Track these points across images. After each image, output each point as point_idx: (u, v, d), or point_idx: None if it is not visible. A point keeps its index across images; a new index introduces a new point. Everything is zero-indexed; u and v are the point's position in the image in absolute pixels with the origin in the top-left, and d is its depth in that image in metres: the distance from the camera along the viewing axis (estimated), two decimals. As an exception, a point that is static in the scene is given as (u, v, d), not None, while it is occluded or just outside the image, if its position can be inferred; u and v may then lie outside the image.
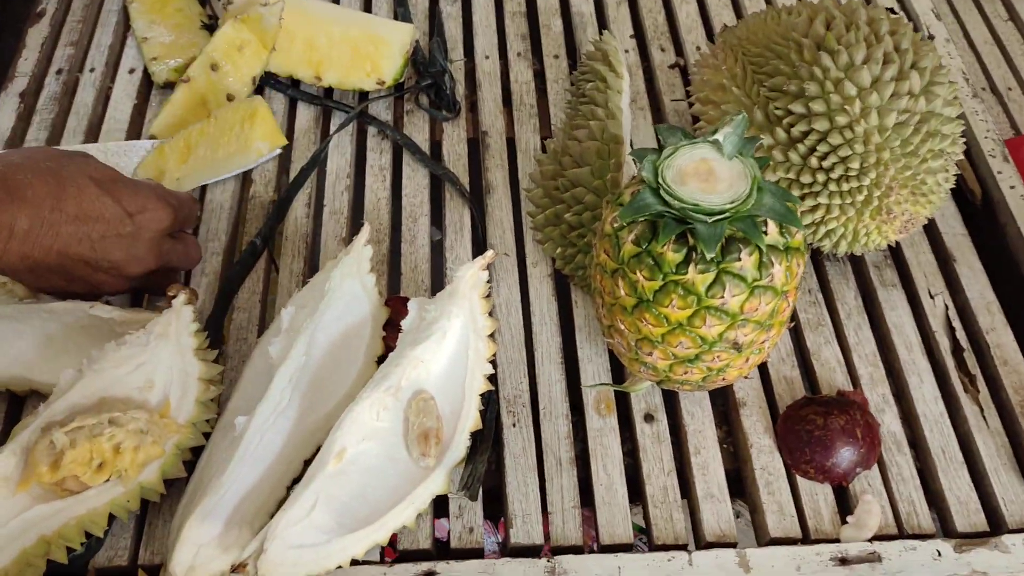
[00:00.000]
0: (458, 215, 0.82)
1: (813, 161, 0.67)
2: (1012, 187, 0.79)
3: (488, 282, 0.72)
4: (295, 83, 0.91)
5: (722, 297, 0.58)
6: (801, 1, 0.77)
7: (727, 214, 0.56)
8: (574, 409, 0.70)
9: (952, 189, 0.81)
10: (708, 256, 0.57)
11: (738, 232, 0.58)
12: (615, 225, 0.61)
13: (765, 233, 0.59)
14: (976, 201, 0.81)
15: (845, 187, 0.66)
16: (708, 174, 0.58)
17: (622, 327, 0.63)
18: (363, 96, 0.91)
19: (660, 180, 0.58)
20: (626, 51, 0.95)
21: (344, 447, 0.61)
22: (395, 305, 0.71)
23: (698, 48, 0.95)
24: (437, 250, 0.81)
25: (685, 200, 0.57)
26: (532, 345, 0.73)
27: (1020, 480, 0.64)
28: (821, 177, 0.67)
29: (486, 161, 0.86)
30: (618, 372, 0.72)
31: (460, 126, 0.89)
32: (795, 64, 0.69)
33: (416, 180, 0.85)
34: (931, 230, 0.79)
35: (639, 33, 0.98)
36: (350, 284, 0.68)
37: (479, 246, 0.80)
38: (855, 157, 0.65)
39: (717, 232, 0.56)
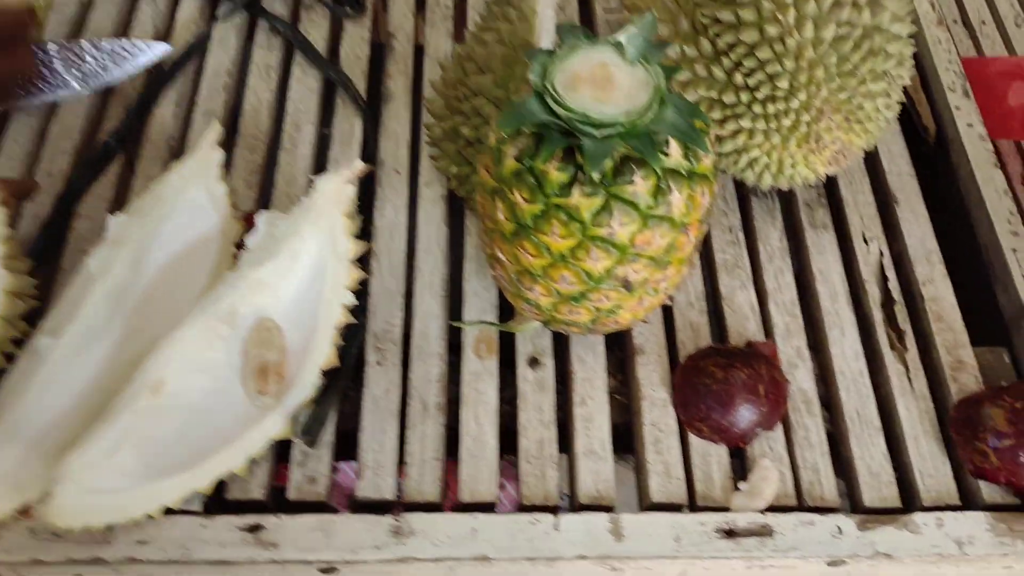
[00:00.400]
0: (348, 125, 0.72)
1: (738, 78, 0.58)
2: (969, 125, 0.71)
3: (358, 198, 0.63)
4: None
5: (609, 226, 0.50)
6: None
7: (620, 128, 0.48)
8: (453, 349, 0.62)
9: (904, 124, 0.73)
10: (594, 177, 0.49)
11: (633, 151, 0.49)
12: (498, 137, 0.53)
13: (666, 154, 0.50)
14: (929, 139, 0.72)
15: (771, 109, 0.57)
16: (605, 81, 0.49)
17: (502, 257, 0.55)
18: (260, -13, 0.81)
19: (548, 85, 0.49)
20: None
21: (163, 379, 0.53)
22: (253, 221, 0.62)
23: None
24: (320, 164, 0.71)
25: (573, 109, 0.48)
26: (413, 274, 0.64)
27: (941, 451, 0.57)
28: (745, 97, 0.58)
29: (389, 67, 0.76)
30: (508, 309, 0.63)
31: (364, 27, 0.79)
32: (727, -36, 0.59)
33: (306, 83, 0.75)
34: (874, 167, 0.70)
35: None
36: (194, 193, 0.59)
37: (369, 160, 0.71)
38: (784, 75, 0.56)
39: (605, 148, 0.48)
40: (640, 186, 0.49)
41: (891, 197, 0.68)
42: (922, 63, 0.76)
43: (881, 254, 0.65)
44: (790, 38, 0.56)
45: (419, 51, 0.78)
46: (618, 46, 0.50)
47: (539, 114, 0.49)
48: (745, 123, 0.58)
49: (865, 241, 0.65)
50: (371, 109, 0.73)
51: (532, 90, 0.49)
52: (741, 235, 0.66)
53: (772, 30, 0.56)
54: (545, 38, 0.72)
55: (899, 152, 0.70)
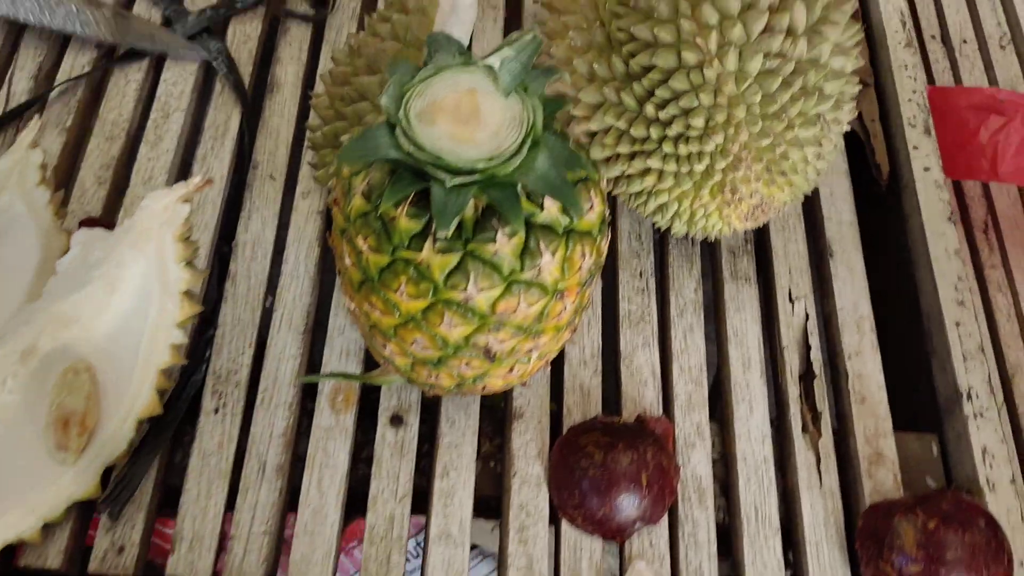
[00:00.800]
0: (224, 116, 0.63)
1: (649, 109, 0.49)
2: (926, 169, 0.62)
3: (224, 205, 0.55)
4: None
5: (465, 290, 0.42)
6: None
7: (477, 176, 0.39)
8: (309, 397, 0.54)
9: (855, 160, 0.64)
10: (443, 233, 0.41)
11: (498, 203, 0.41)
12: (351, 167, 0.44)
13: (539, 206, 0.42)
14: (882, 180, 0.64)
15: (683, 150, 0.49)
16: (470, 115, 0.41)
17: (352, 306, 0.47)
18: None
19: (402, 113, 0.40)
20: (494, -71, 0.75)
21: (-59, 428, 0.45)
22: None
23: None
24: (186, 161, 0.62)
25: (424, 148, 0.39)
26: (273, 303, 0.56)
27: (844, 562, 0.49)
28: (656, 133, 0.49)
29: (280, 50, 0.67)
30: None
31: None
32: (652, -30, 0.50)
33: (182, 63, 0.65)
34: (811, 212, 0.62)
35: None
36: (7, 199, 0.50)
37: (242, 160, 0.62)
38: (700, 111, 0.48)
39: (457, 202, 0.39)
40: (503, 245, 0.41)
41: (827, 248, 0.60)
42: (883, 90, 0.67)
43: (807, 317, 0.57)
44: (709, 68, 0.47)
45: (320, 34, 0.69)
46: (490, 71, 0.41)
47: (386, 149, 0.40)
48: (654, 163, 0.50)
49: (791, 299, 0.57)
50: (254, 99, 0.64)
51: (385, 117, 0.41)
52: (652, 282, 0.58)
53: (690, 56, 0.47)
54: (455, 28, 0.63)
55: (842, 195, 0.62)
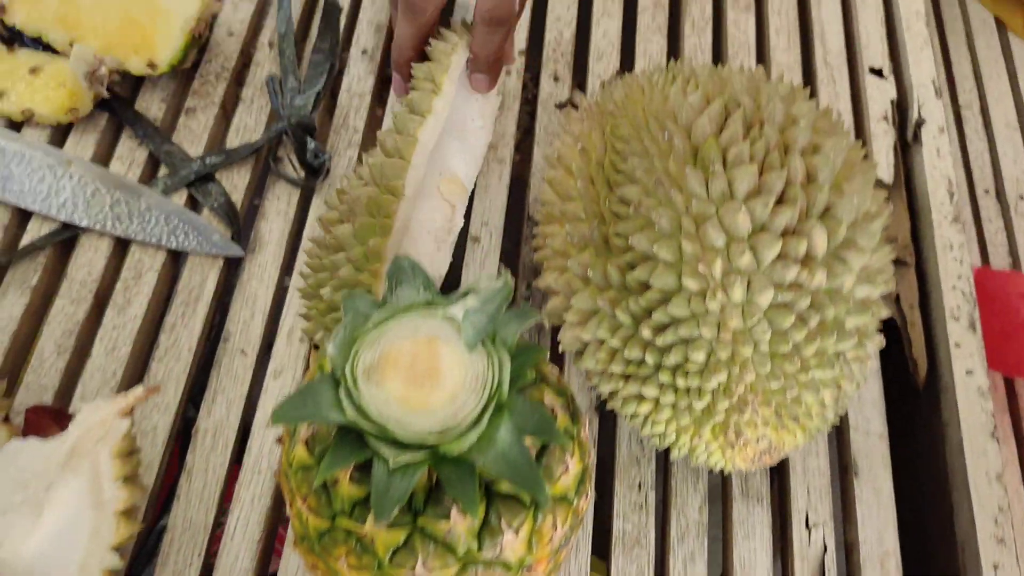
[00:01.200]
0: (199, 278, 0.59)
1: (645, 332, 0.43)
2: (969, 372, 0.55)
3: (191, 380, 0.50)
4: (47, 46, 0.68)
5: (413, 569, 0.36)
6: (716, 68, 0.52)
7: (426, 454, 0.34)
8: (260, 614, 0.48)
9: (888, 350, 0.58)
10: (382, 523, 0.35)
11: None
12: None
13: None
14: (918, 378, 0.57)
15: (681, 383, 0.43)
16: (427, 373, 0.35)
17: (298, 551, 0.42)
18: (135, 83, 0.67)
19: (348, 368, 0.35)
20: (507, 72, 0.70)
21: None
22: (35, 421, 0.50)
23: (604, 86, 0.70)
24: (154, 328, 0.58)
25: (369, 414, 0.34)
26: (231, 503, 0.51)
27: None
28: (652, 358, 0.43)
29: (266, 203, 0.63)
30: (341, 563, 0.50)
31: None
32: (656, 173, 0.45)
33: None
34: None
35: (535, 47, 0.72)
36: (-61, 398, 0.46)
37: (215, 328, 0.58)
38: (701, 344, 0.42)
39: (400, 485, 0.34)
40: (458, 523, 0.36)
41: (851, 464, 0.53)
42: (924, 269, 0.61)
43: (824, 549, 0.50)
44: (712, 299, 0.41)
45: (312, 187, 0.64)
46: (452, 320, 0.36)
47: (326, 411, 0.35)
48: (649, 391, 0.44)
49: (808, 527, 0.51)
50: (232, 259, 0.60)
51: (329, 368, 0.36)
52: (652, 496, 0.52)
53: (691, 283, 0.42)
54: (434, 177, 0.58)
55: (872, 401, 0.55)
